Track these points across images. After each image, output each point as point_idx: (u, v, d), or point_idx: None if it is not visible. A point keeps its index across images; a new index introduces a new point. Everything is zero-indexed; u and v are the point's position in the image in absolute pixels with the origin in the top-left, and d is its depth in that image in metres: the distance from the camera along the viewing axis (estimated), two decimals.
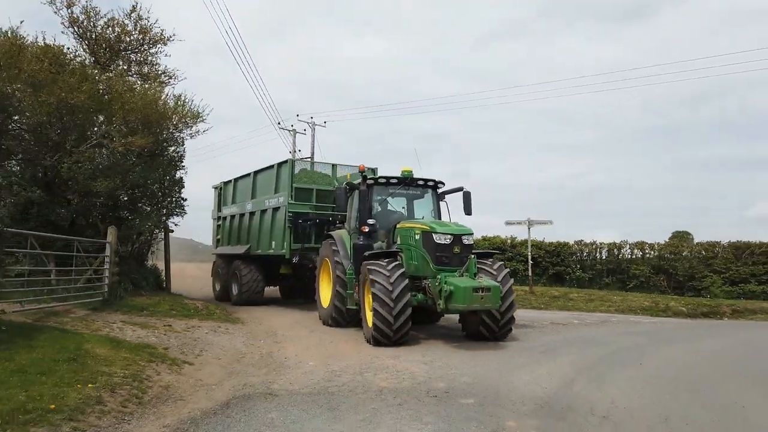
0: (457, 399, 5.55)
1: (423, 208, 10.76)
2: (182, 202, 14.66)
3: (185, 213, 14.78)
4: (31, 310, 8.29)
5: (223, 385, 6.11)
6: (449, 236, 8.74)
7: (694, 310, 15.32)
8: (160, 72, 14.62)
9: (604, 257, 21.19)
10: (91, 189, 11.28)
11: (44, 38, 12.16)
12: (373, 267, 8.56)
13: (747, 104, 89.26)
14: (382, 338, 8.26)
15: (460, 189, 10.52)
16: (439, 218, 10.37)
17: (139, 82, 13.89)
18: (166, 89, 14.14)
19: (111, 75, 13.10)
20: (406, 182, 10.32)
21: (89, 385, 5.10)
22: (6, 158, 12.24)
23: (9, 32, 11.45)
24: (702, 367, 7.81)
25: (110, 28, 13.63)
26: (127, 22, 13.71)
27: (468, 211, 10.39)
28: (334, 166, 13.69)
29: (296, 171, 13.07)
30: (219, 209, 16.75)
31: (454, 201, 10.70)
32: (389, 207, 10.73)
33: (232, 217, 15.63)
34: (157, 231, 14.63)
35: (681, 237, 26.40)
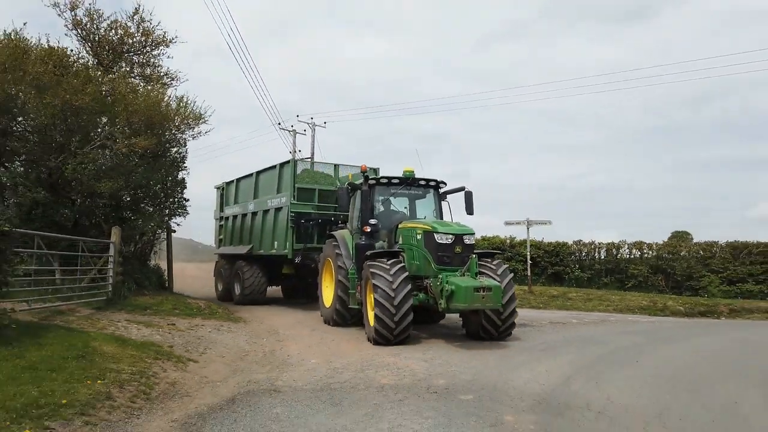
0: (456, 395, 5.68)
1: (425, 208, 10.82)
2: (184, 202, 14.81)
3: (187, 213, 14.93)
4: (37, 309, 8.44)
5: (228, 381, 6.24)
6: (451, 236, 8.81)
7: (691, 309, 15.47)
8: (162, 74, 14.78)
9: (602, 257, 21.33)
10: (95, 190, 11.42)
11: (48, 40, 12.32)
12: (375, 267, 8.64)
13: (748, 105, 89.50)
14: (383, 337, 8.34)
15: (461, 189, 10.59)
16: (441, 218, 10.44)
17: (141, 84, 14.03)
18: (169, 91, 14.31)
19: (114, 77, 13.25)
20: (408, 182, 10.37)
21: (98, 382, 5.24)
22: (11, 159, 12.40)
23: (12, 34, 11.61)
24: (699, 365, 7.93)
25: (113, 31, 13.77)
26: (129, 24, 13.86)
27: (470, 210, 10.45)
28: (336, 166, 13.75)
29: (299, 171, 13.15)
30: (221, 209, 16.85)
31: (456, 201, 10.80)
32: (392, 207, 10.80)
33: (235, 217, 15.73)
34: (159, 231, 14.76)
35: (680, 237, 26.51)
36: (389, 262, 8.74)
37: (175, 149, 14.66)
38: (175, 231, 15.46)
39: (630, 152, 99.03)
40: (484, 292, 7.91)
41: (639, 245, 20.83)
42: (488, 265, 9.09)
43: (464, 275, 8.40)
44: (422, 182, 10.51)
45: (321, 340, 9.13)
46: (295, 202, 12.62)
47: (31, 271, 9.04)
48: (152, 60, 14.65)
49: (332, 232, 11.27)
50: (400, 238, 9.65)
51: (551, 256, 21.25)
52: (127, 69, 14.35)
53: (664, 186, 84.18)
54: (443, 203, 10.73)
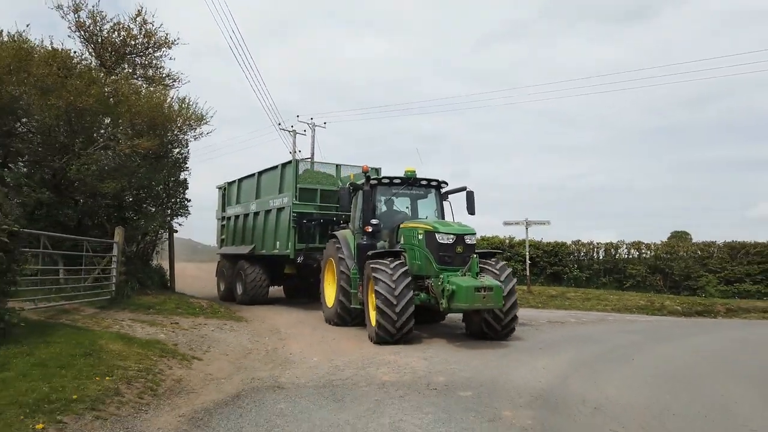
0: (456, 392, 5.82)
1: (426, 207, 10.88)
2: (186, 202, 14.95)
3: (189, 213, 15.07)
4: (42, 308, 8.57)
5: (232, 379, 6.37)
6: (452, 236, 8.87)
7: (689, 309, 15.60)
8: (164, 75, 14.90)
9: (601, 257, 21.47)
10: (99, 190, 11.55)
11: (51, 42, 12.44)
12: (376, 266, 8.71)
13: (749, 105, 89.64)
14: (385, 337, 8.40)
15: (463, 189, 10.64)
16: (443, 218, 10.50)
17: (144, 85, 14.16)
18: (171, 92, 14.44)
19: (117, 78, 13.38)
20: (410, 182, 10.42)
21: (107, 378, 5.37)
22: (15, 160, 12.53)
23: (16, 35, 11.74)
24: (695, 364, 8.04)
25: (116, 32, 13.87)
26: (132, 26, 13.96)
27: (471, 210, 10.50)
28: (338, 166, 13.80)
29: (300, 171, 13.23)
30: (223, 209, 16.95)
31: (458, 201, 10.85)
32: (394, 207, 10.86)
33: (237, 217, 15.83)
34: (162, 231, 14.89)
35: (680, 237, 26.62)
36: (391, 262, 8.80)
37: (177, 150, 14.80)
38: (177, 231, 15.61)
39: (630, 152, 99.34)
40: (485, 292, 7.96)
41: (637, 245, 21.00)
42: (489, 264, 9.14)
43: (465, 275, 8.45)
44: (424, 182, 10.56)
45: (322, 339, 9.26)
46: (297, 202, 12.68)
47: (36, 270, 9.18)
48: (154, 61, 14.78)
49: (334, 232, 11.35)
50: (402, 238, 9.71)
51: (550, 256, 21.39)
52: (130, 70, 14.48)
53: (664, 186, 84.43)
54: (445, 203, 10.79)
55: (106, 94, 12.44)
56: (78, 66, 12.55)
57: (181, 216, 14.95)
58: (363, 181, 10.20)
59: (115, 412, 4.67)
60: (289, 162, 13.59)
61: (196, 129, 14.43)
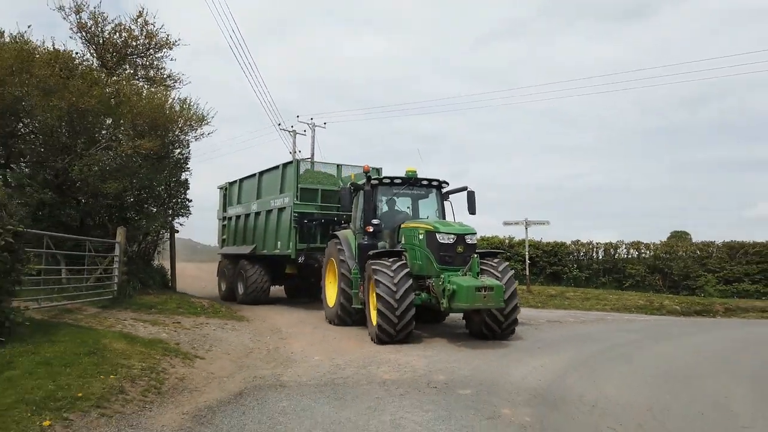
0: (455, 390, 5.89)
1: (428, 207, 10.89)
2: (187, 203, 15.04)
3: (190, 213, 15.17)
4: (45, 308, 8.64)
5: (234, 377, 6.44)
6: (453, 236, 8.89)
7: (687, 308, 15.66)
8: (165, 76, 14.98)
9: (600, 257, 21.55)
10: (101, 190, 11.63)
11: (53, 43, 12.52)
12: (377, 266, 8.73)
13: (746, 106, 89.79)
14: (386, 336, 8.43)
15: (464, 189, 10.66)
16: (444, 218, 10.53)
17: (145, 86, 14.23)
18: (172, 93, 14.51)
19: (118, 79, 13.45)
20: (411, 182, 10.44)
21: (111, 376, 5.44)
22: (17, 160, 12.61)
23: (17, 36, 11.80)
24: (691, 362, 8.12)
25: (117, 33, 13.95)
26: (133, 27, 14.04)
27: (472, 210, 10.51)
28: (338, 166, 13.82)
29: (301, 171, 13.26)
30: (224, 209, 17.00)
31: (459, 201, 10.93)
32: (396, 207, 10.87)
33: (238, 217, 15.87)
34: (163, 231, 14.97)
35: (679, 237, 26.69)
36: (392, 262, 8.83)
37: (178, 151, 14.87)
38: (178, 231, 15.69)
39: (628, 153, 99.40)
40: (485, 291, 7.98)
41: (636, 245, 21.08)
42: (490, 264, 9.14)
43: (466, 275, 8.47)
44: (425, 182, 10.58)
45: (323, 338, 9.33)
46: (298, 202, 12.71)
47: (39, 270, 9.24)
48: (155, 62, 14.87)
49: (335, 232, 11.39)
50: (403, 238, 9.74)
51: (549, 255, 21.47)
52: (131, 71, 14.56)
53: (662, 186, 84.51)
54: (446, 203, 10.81)
55: (107, 95, 12.52)
56: (80, 67, 12.63)
57: (182, 216, 15.06)
58: (364, 181, 10.22)
59: (120, 410, 4.74)
60: (290, 162, 13.64)
61: (197, 130, 14.51)
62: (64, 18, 13.40)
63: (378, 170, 13.31)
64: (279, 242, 13.32)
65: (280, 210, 13.32)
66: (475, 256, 8.70)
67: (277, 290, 16.30)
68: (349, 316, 10.34)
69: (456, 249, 8.88)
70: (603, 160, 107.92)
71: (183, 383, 5.93)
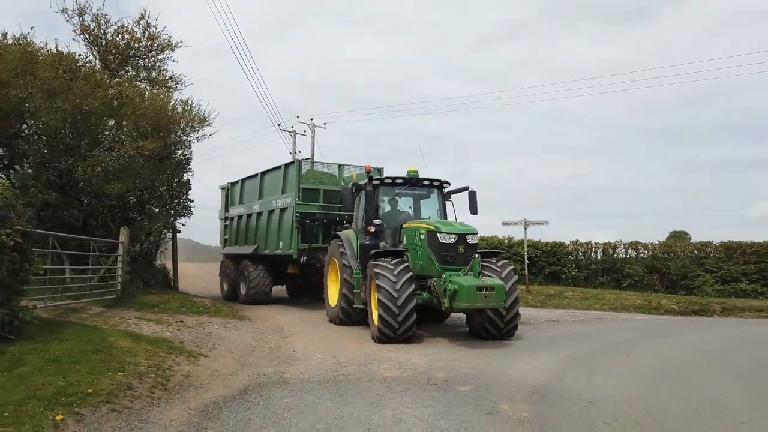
0: (455, 387, 6.02)
1: (429, 207, 10.95)
2: (189, 203, 15.15)
3: (192, 214, 15.28)
4: (51, 307, 8.76)
5: (238, 375, 6.57)
6: (454, 236, 8.96)
7: (685, 307, 15.80)
8: (167, 77, 15.10)
9: (599, 257, 21.68)
10: (104, 191, 11.76)
11: (56, 45, 12.64)
12: (379, 265, 8.81)
13: (749, 106, 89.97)
14: (387, 335, 8.49)
15: (465, 189, 10.71)
16: (445, 218, 10.58)
17: (148, 88, 14.35)
18: (175, 95, 14.64)
19: (122, 81, 13.58)
20: (412, 182, 10.50)
21: (119, 373, 5.57)
22: (20, 161, 12.73)
23: (21, 38, 11.92)
24: (686, 359, 8.26)
25: (120, 36, 14.07)
26: (136, 29, 14.15)
27: (473, 210, 10.55)
28: (340, 166, 13.86)
29: (303, 171, 13.32)
30: (226, 209, 17.08)
31: (460, 200, 10.90)
32: (398, 207, 10.93)
33: (240, 217, 15.94)
34: (165, 231, 15.09)
35: (678, 237, 26.82)
36: (393, 261, 8.90)
37: (180, 151, 15.01)
38: (180, 231, 15.82)
39: (632, 153, 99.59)
40: (486, 291, 8.04)
41: (635, 245, 21.21)
42: (491, 264, 9.21)
43: (467, 274, 8.53)
44: (426, 182, 10.63)
45: (325, 337, 9.45)
46: (300, 202, 12.75)
47: (45, 270, 9.37)
48: (157, 64, 14.98)
49: (337, 232, 11.45)
50: (404, 238, 9.78)
51: (548, 255, 21.60)
52: (133, 73, 14.68)
53: (664, 186, 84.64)
54: (447, 203, 10.87)
55: (110, 96, 12.65)
56: (83, 69, 12.76)
57: (184, 216, 15.18)
58: (366, 181, 10.29)
59: (128, 405, 4.88)
60: (292, 162, 13.72)
61: (198, 131, 14.66)
62: (68, 20, 13.54)
63: (380, 170, 13.32)
64: (281, 242, 13.39)
65: (282, 210, 13.38)
66: (477, 255, 8.77)
67: (278, 290, 16.42)
68: (351, 315, 10.38)
69: (457, 249, 8.94)
70: (606, 160, 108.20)
71: (188, 380, 6.06)
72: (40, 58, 11.71)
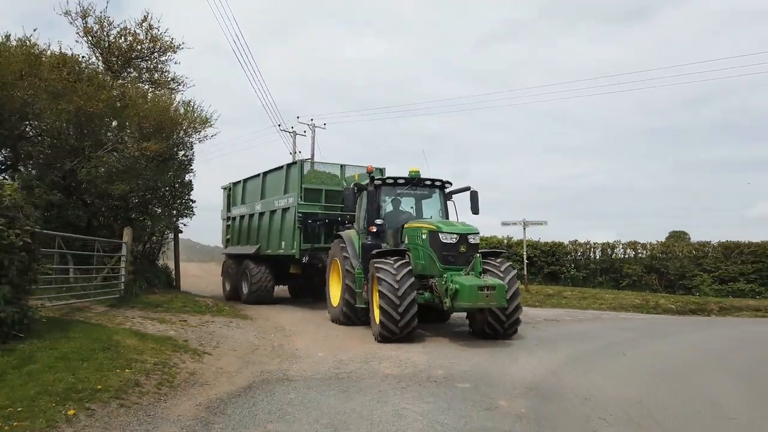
0: (454, 383, 6.17)
1: (431, 207, 11.03)
2: (191, 203, 15.30)
3: (194, 214, 15.44)
4: (56, 306, 8.90)
5: (242, 372, 6.71)
6: (455, 235, 9.02)
7: (682, 307, 15.94)
8: (169, 79, 15.23)
9: (597, 257, 21.81)
10: (108, 192, 11.90)
11: (60, 47, 12.78)
12: (380, 265, 8.89)
13: (749, 106, 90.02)
14: (388, 334, 8.57)
15: (467, 189, 10.75)
16: (447, 218, 10.63)
17: (150, 90, 14.48)
18: (177, 96, 14.78)
19: (124, 82, 13.72)
20: (414, 182, 10.55)
21: (126, 370, 5.71)
22: (25, 162, 12.87)
23: (24, 40, 12.04)
24: (682, 358, 8.39)
25: (123, 38, 14.19)
26: (138, 31, 14.27)
27: (475, 210, 10.60)
28: (342, 166, 13.90)
29: (305, 172, 13.37)
30: (228, 209, 17.14)
31: (462, 200, 10.96)
32: (400, 207, 10.99)
33: (242, 217, 16.00)
34: (168, 231, 15.23)
35: (678, 237, 26.91)
36: (394, 261, 8.97)
37: (182, 152, 15.15)
38: (182, 232, 15.96)
39: (632, 153, 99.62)
40: (488, 290, 8.11)
41: (633, 245, 21.34)
42: (493, 264, 9.27)
43: (469, 274, 8.61)
44: (428, 182, 10.70)
45: (326, 336, 9.58)
46: (303, 202, 12.80)
47: (51, 270, 9.51)
48: (160, 65, 15.11)
49: (339, 232, 11.51)
50: (406, 238, 9.83)
51: (547, 255, 21.73)
52: (136, 75, 14.81)
53: (664, 186, 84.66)
54: (449, 203, 10.92)
55: (113, 98, 12.78)
56: (86, 71, 12.89)
57: (186, 217, 15.33)
58: (367, 181, 10.36)
59: (137, 401, 5.02)
60: (294, 163, 13.81)
61: (200, 132, 14.81)
62: (71, 23, 13.68)
63: (381, 170, 13.37)
64: (283, 242, 13.44)
65: (284, 210, 13.43)
66: (478, 255, 8.85)
67: (280, 290, 16.52)
68: (354, 315, 10.42)
69: (459, 248, 9.00)
70: (606, 160, 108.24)
71: (194, 377, 6.19)
72: (44, 59, 11.85)
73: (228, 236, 17.05)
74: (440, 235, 9.02)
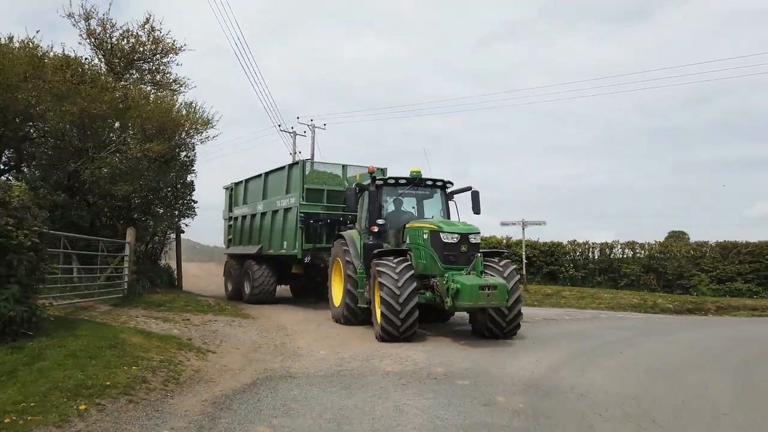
0: (454, 380, 6.30)
1: (432, 207, 11.09)
2: (193, 204, 15.43)
3: (195, 215, 15.58)
4: (61, 305, 9.02)
5: (246, 369, 6.85)
6: (456, 235, 9.08)
7: (680, 306, 16.09)
8: (171, 80, 15.36)
9: (596, 257, 21.96)
10: (111, 192, 12.03)
11: (63, 49, 12.90)
12: (381, 265, 8.96)
13: (749, 106, 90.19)
14: (389, 334, 8.64)
15: (468, 189, 10.79)
16: (448, 217, 10.68)
17: (153, 91, 14.61)
18: (179, 98, 14.91)
19: (126, 84, 13.84)
20: (415, 182, 10.57)
21: (133, 368, 5.85)
22: (29, 163, 13.01)
23: (27, 41, 12.17)
24: (679, 357, 8.49)
25: (125, 40, 14.31)
26: (141, 33, 14.39)
27: (476, 210, 10.65)
28: (344, 166, 13.95)
29: (307, 172, 13.44)
30: (230, 209, 17.22)
31: (463, 201, 11.00)
32: (402, 207, 11.04)
33: (244, 217, 16.08)
34: (170, 232, 15.36)
35: (677, 237, 27.03)
36: (395, 261, 9.04)
37: (184, 153, 15.28)
38: (184, 232, 16.10)
39: (632, 153, 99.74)
40: (489, 290, 8.14)
41: (631, 245, 21.48)
42: (494, 263, 9.32)
43: (470, 274, 8.66)
44: (429, 182, 10.74)
45: (327, 335, 9.70)
46: (304, 202, 12.86)
47: (56, 269, 9.63)
48: (162, 67, 15.23)
49: (341, 232, 11.56)
50: (407, 238, 9.88)
51: (546, 255, 21.87)
52: (138, 76, 14.93)
53: (664, 186, 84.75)
54: (450, 203, 10.96)
55: (116, 99, 12.91)
56: (89, 72, 13.01)
57: (188, 217, 15.46)
58: (369, 181, 10.45)
59: (145, 397, 5.15)
60: (296, 163, 13.89)
61: (202, 133, 14.93)
62: (74, 24, 13.79)
63: (383, 170, 13.42)
64: (285, 242, 13.50)
65: (286, 210, 13.49)
66: (479, 255, 8.90)
67: (282, 290, 16.62)
68: (355, 315, 10.47)
69: (460, 248, 9.05)
70: (606, 160, 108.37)
71: (199, 374, 6.33)
72: (47, 61, 11.97)
73: (230, 236, 17.13)
74: (441, 235, 9.08)
